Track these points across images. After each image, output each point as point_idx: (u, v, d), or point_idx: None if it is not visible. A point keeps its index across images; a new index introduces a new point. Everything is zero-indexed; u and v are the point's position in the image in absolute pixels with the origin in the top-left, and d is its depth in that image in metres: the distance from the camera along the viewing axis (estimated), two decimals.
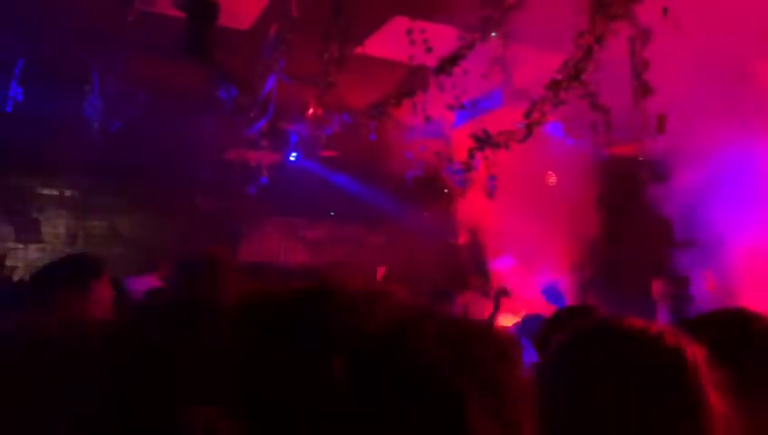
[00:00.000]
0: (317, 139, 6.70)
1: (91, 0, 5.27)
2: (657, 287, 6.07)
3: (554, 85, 4.97)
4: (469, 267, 8.16)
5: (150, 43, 5.59)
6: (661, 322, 3.02)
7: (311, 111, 6.11)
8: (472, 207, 7.18)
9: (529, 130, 5.41)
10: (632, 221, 7.14)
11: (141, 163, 7.25)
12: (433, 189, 7.43)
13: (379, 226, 8.85)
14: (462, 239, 8.32)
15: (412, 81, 5.82)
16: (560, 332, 1.18)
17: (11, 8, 5.19)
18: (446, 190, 7.20)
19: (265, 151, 6.60)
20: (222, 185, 7.54)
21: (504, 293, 6.29)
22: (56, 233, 8.69)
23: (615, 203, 6.91)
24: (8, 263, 8.16)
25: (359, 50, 6.12)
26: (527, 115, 5.29)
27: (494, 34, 5.49)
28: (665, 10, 3.92)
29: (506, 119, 5.96)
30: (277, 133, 6.61)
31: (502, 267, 7.46)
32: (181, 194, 8.05)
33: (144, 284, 4.92)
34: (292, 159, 7.36)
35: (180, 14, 5.35)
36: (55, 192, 8.54)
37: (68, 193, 8.54)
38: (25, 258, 8.48)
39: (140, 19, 5.41)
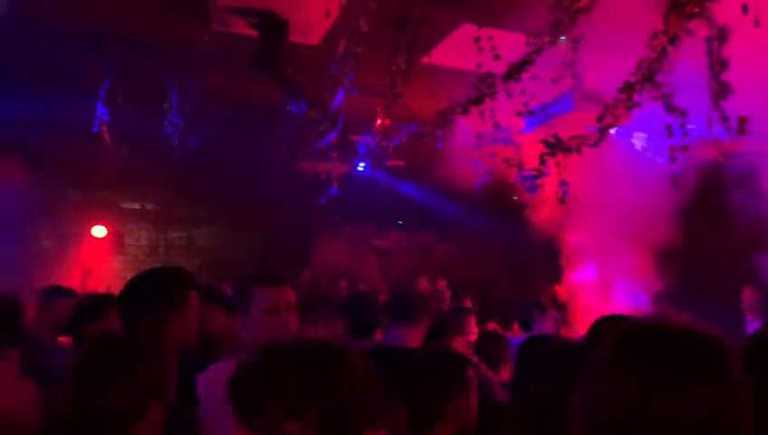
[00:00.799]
0: (385, 149, 6.78)
1: (170, 23, 5.52)
2: (747, 297, 5.82)
3: (627, 88, 4.86)
4: (541, 277, 8.04)
5: (225, 61, 5.80)
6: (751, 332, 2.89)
7: (379, 121, 6.18)
8: (545, 216, 7.07)
9: (602, 133, 5.30)
10: (716, 228, 6.85)
11: (217, 177, 7.55)
12: (502, 197, 7.37)
13: (449, 234, 8.84)
14: (534, 248, 8.21)
15: (480, 88, 5.80)
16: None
17: (96, 34, 5.50)
18: (515, 198, 7.13)
19: (335, 163, 6.72)
20: (294, 196, 7.73)
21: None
22: (138, 245, 9.13)
23: (697, 210, 6.65)
24: (95, 274, 8.62)
25: (425, 60, 6.16)
26: (600, 119, 5.19)
27: (563, 38, 5.42)
28: (744, 7, 3.77)
29: (577, 123, 5.86)
30: (346, 145, 6.72)
31: (582, 280, 7.27)
32: (255, 206, 8.31)
33: None
34: (360, 169, 7.47)
35: (253, 33, 5.54)
36: (137, 206, 9.00)
37: (149, 207, 8.98)
38: (109, 270, 8.94)
39: (215, 39, 5.65)
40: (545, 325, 5.30)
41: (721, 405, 1.02)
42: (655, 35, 4.52)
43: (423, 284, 7.36)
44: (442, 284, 7.44)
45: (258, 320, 2.35)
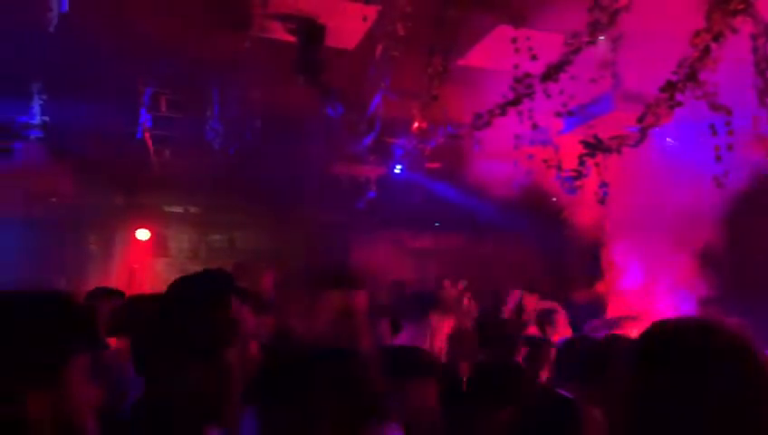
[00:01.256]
0: (422, 151, 6.79)
1: (211, 30, 5.65)
2: None
3: (669, 87, 4.77)
4: (581, 279, 7.94)
5: (264, 66, 5.90)
6: None
7: (416, 124, 6.20)
8: (585, 218, 6.97)
9: (643, 134, 5.22)
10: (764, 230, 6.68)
11: (257, 181, 7.68)
12: (541, 199, 7.30)
13: (486, 236, 8.80)
14: (573, 250, 8.11)
15: (517, 89, 5.76)
16: None
17: (140, 42, 5.66)
18: (554, 199, 7.05)
19: (372, 166, 6.76)
20: (332, 199, 7.80)
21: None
22: (181, 247, 9.35)
23: (744, 211, 6.49)
24: (139, 276, 8.86)
25: (461, 62, 6.15)
26: (641, 119, 5.11)
27: (602, 38, 5.35)
28: None
29: (617, 123, 5.77)
30: (383, 147, 6.75)
31: (629, 286, 7.14)
32: (294, 209, 8.42)
33: None
34: (397, 171, 7.49)
35: (291, 38, 5.62)
36: (180, 209, 9.22)
37: (192, 210, 9.19)
38: (153, 272, 9.17)
39: (255, 45, 5.75)
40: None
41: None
42: (698, 33, 4.43)
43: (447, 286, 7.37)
44: (461, 286, 7.42)
45: (328, 323, 2.36)
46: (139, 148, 6.82)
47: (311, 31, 5.44)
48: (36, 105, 6.65)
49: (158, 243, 9.15)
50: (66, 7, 4.38)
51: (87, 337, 1.45)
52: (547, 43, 5.37)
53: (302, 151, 7.05)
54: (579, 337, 3.84)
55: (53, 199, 7.09)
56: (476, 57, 6.21)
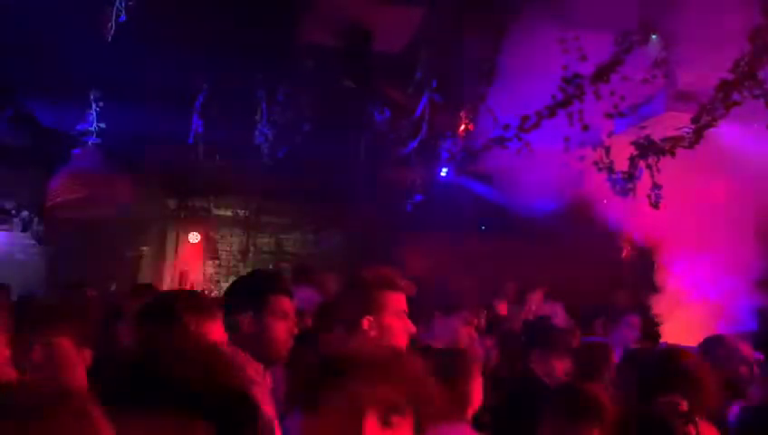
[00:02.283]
0: (468, 154, 6.76)
1: (261, 35, 5.73)
2: None
3: (725, 86, 4.63)
4: (636, 283, 7.76)
5: (312, 71, 5.97)
6: None
7: (462, 126, 6.17)
8: (639, 219, 6.81)
9: (698, 134, 5.07)
10: None
11: (304, 185, 7.77)
12: (591, 203, 7.15)
13: (535, 239, 8.66)
14: (626, 253, 7.93)
15: (566, 90, 5.68)
16: None
17: (192, 49, 5.79)
18: (605, 201, 6.90)
19: (418, 169, 6.76)
20: (379, 202, 7.82)
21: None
22: (230, 250, 9.52)
23: None
24: (189, 279, 9.05)
25: (509, 63, 6.09)
26: (696, 119, 4.97)
27: (654, 37, 5.24)
28: None
29: (670, 124, 5.63)
30: (429, 150, 6.75)
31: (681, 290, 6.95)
32: (340, 212, 8.50)
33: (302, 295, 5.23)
34: (443, 174, 7.47)
35: (338, 43, 5.69)
36: (229, 213, 9.40)
37: (240, 213, 9.35)
38: (203, 273, 9.36)
39: (303, 50, 5.83)
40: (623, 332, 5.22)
41: None
42: (756, 31, 4.30)
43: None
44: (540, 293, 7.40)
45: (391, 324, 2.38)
46: (191, 152, 6.97)
47: (358, 36, 5.48)
48: (93, 112, 6.89)
49: (207, 246, 9.35)
50: (124, 17, 4.53)
51: None
52: (597, 43, 5.29)
53: (349, 155, 7.09)
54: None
55: (110, 203, 7.31)
56: (524, 57, 6.13)
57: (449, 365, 2.66)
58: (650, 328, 6.50)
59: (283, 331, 2.38)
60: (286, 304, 2.42)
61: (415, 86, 5.81)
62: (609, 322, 5.64)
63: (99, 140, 7.08)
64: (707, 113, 4.84)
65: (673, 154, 5.20)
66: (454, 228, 8.46)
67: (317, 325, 4.07)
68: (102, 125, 6.97)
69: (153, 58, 5.67)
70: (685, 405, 2.27)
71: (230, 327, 2.32)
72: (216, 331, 2.18)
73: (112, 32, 4.61)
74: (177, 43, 5.55)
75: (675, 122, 5.50)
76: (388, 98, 6.06)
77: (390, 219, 7.92)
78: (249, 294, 2.42)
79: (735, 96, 4.66)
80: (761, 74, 4.44)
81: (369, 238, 8.38)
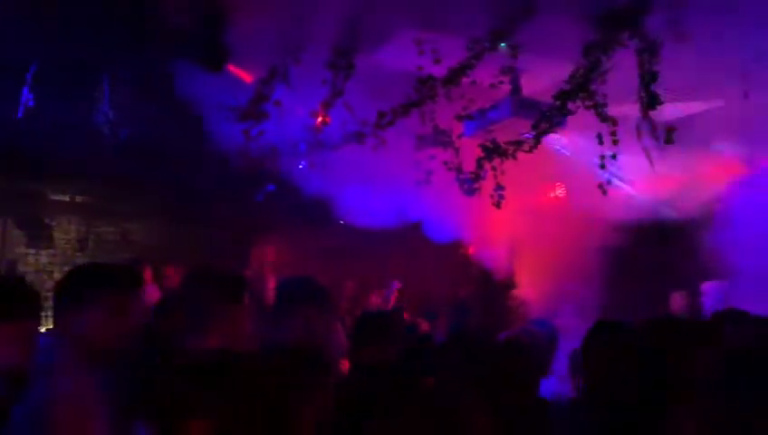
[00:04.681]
0: (325, 147, 6.74)
1: (103, 9, 5.33)
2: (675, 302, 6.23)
3: (562, 96, 4.97)
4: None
5: (161, 52, 5.64)
6: None
7: (319, 119, 6.15)
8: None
9: (537, 140, 5.42)
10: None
11: (153, 170, 7.29)
12: None
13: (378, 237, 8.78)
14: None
15: (421, 91, 5.84)
16: None
17: (24, 12, 5.26)
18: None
19: (272, 158, 6.62)
20: (232, 193, 7.54)
21: None
22: (68, 239, 8.76)
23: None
24: (20, 268, 8.24)
25: (368, 61, 6.14)
26: (535, 126, 5.30)
27: (503, 45, 5.51)
28: (673, 21, 3.92)
29: (515, 129, 5.96)
30: (285, 141, 6.65)
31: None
32: (192, 202, 8.06)
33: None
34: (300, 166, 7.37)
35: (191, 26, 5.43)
36: (66, 198, 8.62)
37: (79, 199, 8.62)
38: (36, 264, 8.56)
39: (152, 28, 5.49)
40: None
41: None
42: (589, 46, 4.65)
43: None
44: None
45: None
46: (20, 129, 6.31)
47: (210, 15, 5.27)
48: None
49: (41, 233, 8.55)
50: None
51: None
52: (451, 47, 5.46)
53: (200, 141, 6.79)
54: None
55: None
56: (383, 57, 6.21)
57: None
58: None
59: (112, 329, 2.19)
60: (120, 300, 2.23)
61: (270, 72, 5.69)
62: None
63: None
64: (546, 120, 5.17)
65: (515, 157, 5.50)
66: (312, 222, 8.35)
67: (159, 323, 3.83)
68: None
69: None
70: None
71: (58, 324, 2.16)
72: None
73: None
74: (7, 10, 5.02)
75: (519, 128, 5.83)
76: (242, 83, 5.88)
77: (244, 211, 7.68)
78: (78, 289, 2.21)
79: (571, 106, 5.02)
80: (593, 87, 4.81)
81: (223, 229, 8.06)
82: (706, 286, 6.14)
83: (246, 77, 5.92)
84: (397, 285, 7.37)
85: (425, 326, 5.88)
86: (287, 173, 6.94)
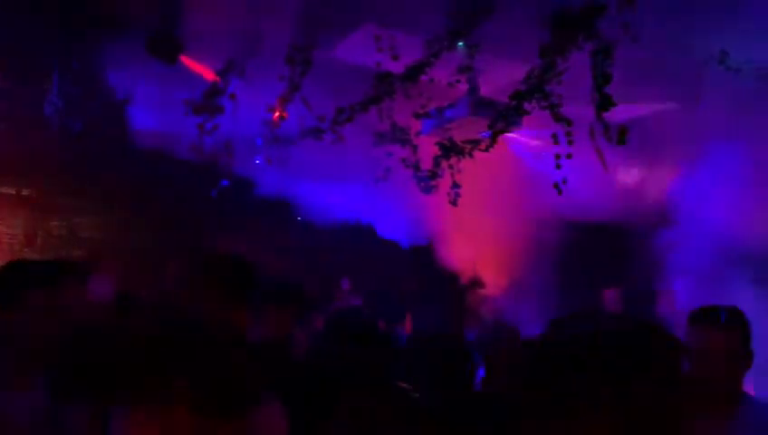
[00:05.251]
0: (282, 142, 6.67)
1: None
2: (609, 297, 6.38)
3: (518, 96, 5.03)
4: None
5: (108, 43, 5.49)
6: None
7: (276, 114, 6.08)
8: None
9: (493, 139, 5.47)
10: None
11: (103, 163, 7.08)
12: None
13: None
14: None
15: (378, 87, 5.83)
16: None
17: None
18: None
19: (226, 155, 6.52)
20: (188, 189, 7.36)
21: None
22: (13, 234, 8.44)
23: None
24: None
25: (327, 55, 6.11)
26: (491, 125, 5.35)
27: (460, 44, 5.53)
28: (625, 25, 4.00)
29: (472, 128, 6.01)
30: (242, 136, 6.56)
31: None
32: (144, 196, 7.84)
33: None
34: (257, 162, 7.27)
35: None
36: (12, 191, 8.30)
37: (25, 192, 8.31)
38: None
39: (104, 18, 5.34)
40: None
41: None
42: (545, 48, 4.70)
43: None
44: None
45: None
46: None
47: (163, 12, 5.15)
48: None
49: None
50: None
51: None
52: (410, 45, 5.47)
53: (154, 136, 6.63)
54: None
55: None
56: (341, 53, 6.18)
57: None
58: None
59: (41, 329, 2.09)
60: (48, 298, 2.10)
61: (226, 65, 5.60)
62: None
63: None
64: (502, 120, 5.22)
65: (471, 156, 5.54)
66: (266, 219, 8.25)
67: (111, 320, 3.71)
68: None
69: None
70: None
71: None
72: None
73: None
74: None
75: (476, 127, 5.88)
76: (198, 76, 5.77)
77: (199, 206, 7.50)
78: (3, 289, 2.09)
79: (527, 106, 5.08)
80: (548, 88, 4.87)
81: (176, 225, 7.87)
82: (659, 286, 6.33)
83: (201, 70, 5.80)
84: (347, 283, 7.34)
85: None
86: (243, 169, 6.83)
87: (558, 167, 4.77)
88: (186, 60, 5.59)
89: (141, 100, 6.14)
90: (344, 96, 6.23)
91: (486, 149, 5.39)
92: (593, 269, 7.66)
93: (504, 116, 5.29)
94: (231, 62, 5.69)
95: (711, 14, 4.56)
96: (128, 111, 6.01)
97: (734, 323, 2.33)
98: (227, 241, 7.49)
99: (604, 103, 4.42)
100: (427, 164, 6.18)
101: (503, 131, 5.29)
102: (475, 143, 5.47)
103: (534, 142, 7.33)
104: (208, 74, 5.91)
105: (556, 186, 4.84)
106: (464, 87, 5.66)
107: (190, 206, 7.48)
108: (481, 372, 3.30)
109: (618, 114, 4.98)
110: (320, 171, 7.13)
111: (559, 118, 4.78)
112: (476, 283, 8.09)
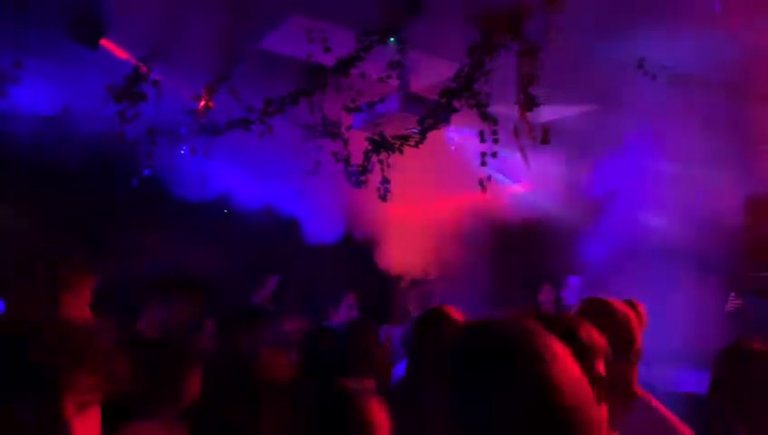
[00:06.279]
0: (209, 132, 6.51)
1: None
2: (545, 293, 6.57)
3: (447, 93, 5.08)
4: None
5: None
6: None
7: (202, 103, 5.92)
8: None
9: (423, 135, 5.51)
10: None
11: (17, 151, 6.62)
12: None
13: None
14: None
15: (310, 80, 5.77)
16: None
17: None
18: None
19: (147, 144, 6.30)
20: (103, 177, 6.95)
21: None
22: None
23: None
24: None
25: (257, 45, 5.99)
26: (421, 121, 5.39)
27: (392, 40, 5.54)
28: (548, 29, 4.10)
29: (402, 124, 6.03)
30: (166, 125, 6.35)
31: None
32: (60, 186, 7.30)
33: None
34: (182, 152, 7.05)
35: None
36: None
37: None
38: None
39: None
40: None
41: None
42: (473, 47, 4.77)
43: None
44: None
45: None
46: None
47: None
48: None
49: None
50: None
51: None
52: (342, 38, 5.42)
53: (61, 121, 6.28)
54: None
55: None
56: (272, 43, 6.07)
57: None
58: None
59: None
60: None
61: (150, 51, 5.40)
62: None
63: None
64: (432, 117, 5.27)
65: (401, 151, 5.56)
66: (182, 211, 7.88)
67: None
68: None
69: None
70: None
71: None
72: None
73: None
74: None
75: (406, 122, 5.90)
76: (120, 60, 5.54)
77: (118, 198, 7.11)
78: None
79: (455, 104, 5.14)
80: (476, 86, 4.94)
81: (90, 216, 7.40)
82: (571, 280, 6.60)
83: (124, 55, 5.57)
84: (274, 280, 7.22)
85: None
86: (165, 158, 6.60)
87: (483, 164, 4.86)
88: (106, 43, 5.33)
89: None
90: (274, 88, 6.13)
91: (416, 145, 5.43)
92: (524, 264, 7.90)
93: (433, 113, 5.33)
94: (155, 49, 5.49)
95: (631, 22, 4.73)
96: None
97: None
98: (140, 236, 7.15)
99: (528, 103, 4.53)
100: (357, 159, 6.16)
101: (432, 128, 5.35)
102: (404, 139, 5.49)
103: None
104: (126, 57, 5.64)
105: (481, 183, 4.93)
106: (395, 83, 5.67)
107: (108, 195, 7.04)
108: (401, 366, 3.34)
109: (544, 115, 5.13)
110: (247, 164, 6.99)
111: (486, 116, 4.87)
112: (415, 281, 8.16)
